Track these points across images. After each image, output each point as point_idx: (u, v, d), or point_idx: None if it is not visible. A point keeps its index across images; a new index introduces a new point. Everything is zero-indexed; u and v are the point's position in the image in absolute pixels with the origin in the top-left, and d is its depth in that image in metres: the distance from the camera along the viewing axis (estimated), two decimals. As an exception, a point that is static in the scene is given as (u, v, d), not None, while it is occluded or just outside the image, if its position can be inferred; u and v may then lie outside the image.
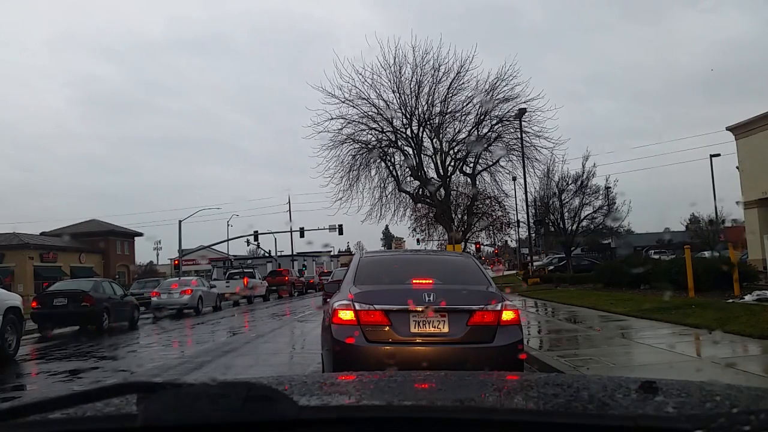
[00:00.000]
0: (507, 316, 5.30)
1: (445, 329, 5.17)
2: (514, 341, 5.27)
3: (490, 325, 5.23)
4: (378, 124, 27.98)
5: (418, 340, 5.15)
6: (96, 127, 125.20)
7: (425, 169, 28.86)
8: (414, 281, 5.53)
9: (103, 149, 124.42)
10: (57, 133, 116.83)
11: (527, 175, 27.89)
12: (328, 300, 6.30)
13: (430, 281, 5.53)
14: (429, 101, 27.54)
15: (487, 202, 31.22)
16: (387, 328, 5.15)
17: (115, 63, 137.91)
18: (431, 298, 5.17)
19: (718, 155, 37.28)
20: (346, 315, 5.23)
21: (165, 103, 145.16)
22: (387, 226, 73.60)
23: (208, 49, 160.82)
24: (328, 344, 5.38)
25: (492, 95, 27.21)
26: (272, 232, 52.39)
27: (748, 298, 12.74)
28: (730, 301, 12.62)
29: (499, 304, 5.32)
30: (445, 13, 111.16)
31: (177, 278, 28.30)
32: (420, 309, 5.14)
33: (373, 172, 28.60)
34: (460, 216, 31.77)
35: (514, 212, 34.41)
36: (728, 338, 8.25)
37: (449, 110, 27.76)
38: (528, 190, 30.30)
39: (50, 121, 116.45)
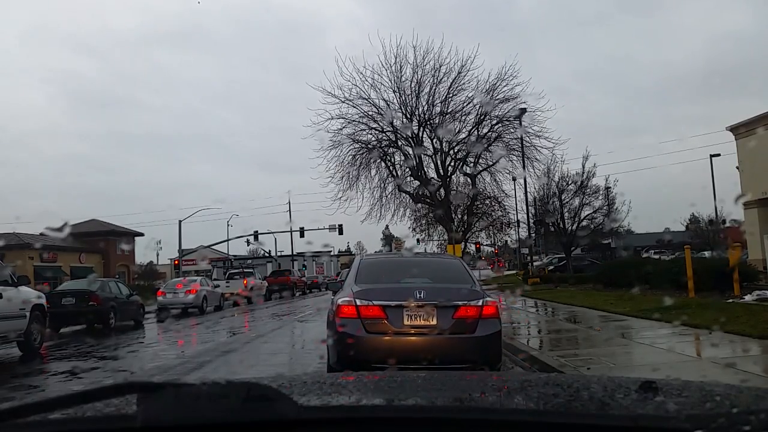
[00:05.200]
0: (487, 310, 5.92)
1: (434, 322, 5.79)
2: (494, 332, 5.93)
3: (472, 318, 5.86)
4: (378, 124, 27.98)
5: (411, 331, 5.78)
6: (86, 125, 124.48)
7: (425, 169, 28.88)
8: (408, 281, 6.22)
9: (93, 148, 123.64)
10: (42, 131, 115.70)
11: (527, 175, 27.91)
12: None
13: (423, 281, 6.22)
14: (429, 101, 27.55)
15: (487, 202, 31.21)
16: (384, 321, 5.78)
17: (98, 59, 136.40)
18: (422, 295, 5.83)
19: (718, 155, 37.23)
20: (349, 310, 5.84)
21: (152, 101, 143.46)
22: (387, 226, 73.56)
23: (197, 45, 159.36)
24: (332, 335, 5.96)
25: (492, 95, 27.20)
26: (272, 232, 52.41)
27: (748, 298, 12.73)
28: (730, 301, 12.60)
29: (481, 300, 5.96)
30: (434, 5, 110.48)
31: (181, 278, 28.36)
32: (412, 304, 5.78)
33: (373, 172, 28.61)
34: (460, 216, 31.76)
35: (514, 212, 34.43)
36: (728, 338, 8.24)
37: (449, 110, 27.77)
38: (528, 190, 30.32)
39: (35, 119, 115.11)
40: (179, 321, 20.07)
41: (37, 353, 11.39)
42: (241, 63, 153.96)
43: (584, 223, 30.65)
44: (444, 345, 5.76)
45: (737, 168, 26.78)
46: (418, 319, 5.80)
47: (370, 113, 27.58)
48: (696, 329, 9.14)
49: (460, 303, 5.91)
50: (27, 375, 9.41)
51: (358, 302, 5.85)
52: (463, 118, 28.10)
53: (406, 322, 5.78)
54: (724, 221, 51.28)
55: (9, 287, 11.04)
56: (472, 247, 36.28)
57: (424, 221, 34.63)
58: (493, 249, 50.11)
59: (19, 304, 11.10)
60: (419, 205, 30.89)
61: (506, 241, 46.50)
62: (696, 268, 14.57)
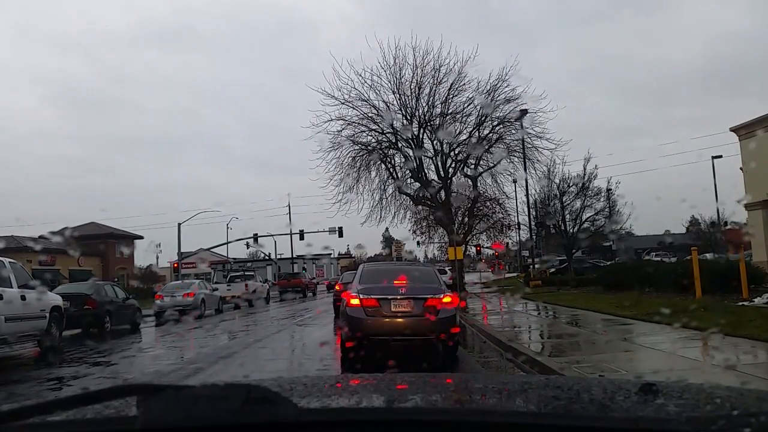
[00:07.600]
0: (446, 301, 8.78)
1: (410, 309, 8.71)
2: (451, 315, 8.79)
3: (436, 306, 8.68)
4: (378, 126, 27.92)
5: (396, 315, 8.68)
6: (84, 128, 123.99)
7: (426, 170, 28.85)
8: (395, 282, 9.07)
9: (91, 151, 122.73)
10: (39, 133, 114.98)
11: (528, 177, 27.88)
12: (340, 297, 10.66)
13: (404, 282, 9.09)
14: (429, 102, 27.53)
15: (488, 204, 31.17)
16: (378, 308, 8.69)
17: (94, 62, 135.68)
18: (403, 291, 8.86)
19: (720, 156, 37.03)
20: (355, 301, 8.80)
21: (150, 103, 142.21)
22: (387, 228, 73.51)
23: (193, 47, 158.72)
24: (344, 319, 8.95)
25: (493, 96, 27.17)
26: (272, 235, 52.26)
27: (758, 301, 12.47)
28: (740, 304, 12.36)
29: (442, 294, 8.89)
30: (431, 4, 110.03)
31: (180, 281, 28.33)
32: (397, 297, 8.77)
33: (373, 174, 28.58)
34: (460, 218, 31.71)
35: (515, 214, 34.39)
36: (741, 343, 7.97)
37: (450, 111, 27.74)
38: (529, 191, 30.28)
39: (32, 121, 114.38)
40: (177, 324, 20.03)
41: (55, 351, 12.23)
42: (239, 64, 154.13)
43: (585, 225, 30.59)
44: (417, 323, 8.51)
45: (741, 169, 26.71)
46: (400, 307, 8.73)
47: (370, 115, 27.61)
48: (705, 333, 8.70)
49: (428, 296, 8.80)
50: (17, 382, 9.16)
51: (361, 296, 8.78)
52: (464, 119, 28.13)
53: (393, 309, 8.70)
54: (725, 223, 51.12)
55: (31, 290, 11.77)
56: (472, 250, 36.16)
57: (424, 223, 34.60)
58: (493, 252, 50.01)
59: (40, 305, 12.10)
60: (420, 207, 30.83)
61: (507, 243, 46.44)
62: (702, 270, 14.34)
